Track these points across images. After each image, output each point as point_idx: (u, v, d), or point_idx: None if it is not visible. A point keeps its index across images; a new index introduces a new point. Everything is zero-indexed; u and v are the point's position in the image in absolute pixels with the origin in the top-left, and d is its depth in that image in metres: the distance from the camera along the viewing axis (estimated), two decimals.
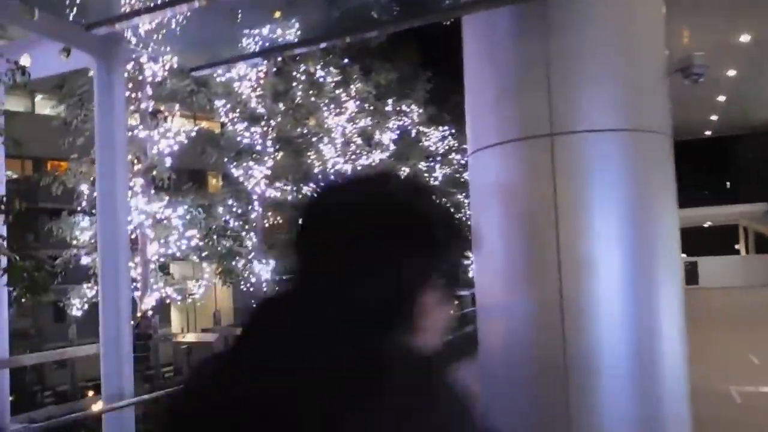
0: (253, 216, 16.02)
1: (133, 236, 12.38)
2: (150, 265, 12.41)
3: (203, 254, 13.55)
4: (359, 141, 21.25)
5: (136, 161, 12.06)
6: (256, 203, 16.00)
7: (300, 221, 0.96)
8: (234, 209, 15.23)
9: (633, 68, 3.45)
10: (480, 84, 3.77)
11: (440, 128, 29.99)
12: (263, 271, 15.84)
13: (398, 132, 23.95)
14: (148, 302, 12.14)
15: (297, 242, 0.95)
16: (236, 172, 15.79)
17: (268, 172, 15.90)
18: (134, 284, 12.36)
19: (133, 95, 12.38)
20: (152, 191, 12.45)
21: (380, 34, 9.89)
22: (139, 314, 12.03)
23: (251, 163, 15.29)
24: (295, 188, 16.98)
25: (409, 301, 0.90)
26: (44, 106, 28.58)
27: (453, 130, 31.25)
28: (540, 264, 3.34)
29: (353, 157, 20.65)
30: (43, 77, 9.52)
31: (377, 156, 21.81)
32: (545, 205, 3.28)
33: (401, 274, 0.90)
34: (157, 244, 12.44)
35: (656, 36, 3.67)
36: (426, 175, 28.54)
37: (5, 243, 9.32)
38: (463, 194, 34.24)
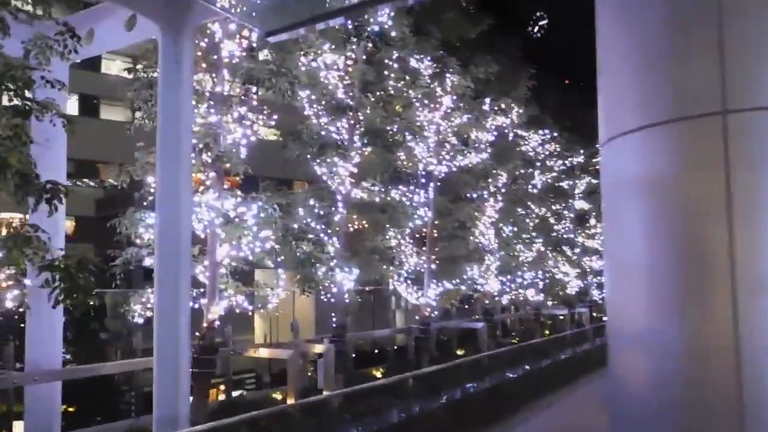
0: (336, 218, 14.41)
1: (202, 236, 11.01)
2: (220, 269, 10.98)
3: (278, 259, 11.98)
4: (454, 140, 19.30)
5: (206, 150, 10.68)
6: (340, 204, 14.38)
7: None
8: (316, 210, 13.65)
9: None
10: (618, 56, 3.21)
11: (540, 131, 27.61)
12: (345, 280, 14.17)
13: (495, 133, 21.77)
14: (216, 311, 10.70)
15: None
16: (319, 170, 14.24)
17: (354, 170, 14.25)
18: (201, 290, 10.97)
19: (207, 77, 11.05)
20: (224, 186, 11.03)
21: None
22: (205, 324, 10.61)
23: (336, 159, 13.68)
24: (383, 189, 15.23)
25: None
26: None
27: (554, 134, 28.78)
28: (704, 280, 2.75)
29: (447, 157, 18.73)
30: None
31: (474, 158, 19.76)
32: (713, 202, 2.72)
33: None
34: (228, 246, 11.00)
35: None
36: (522, 182, 26.13)
37: (49, 238, 8.11)
38: (563, 204, 31.59)
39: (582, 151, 32.91)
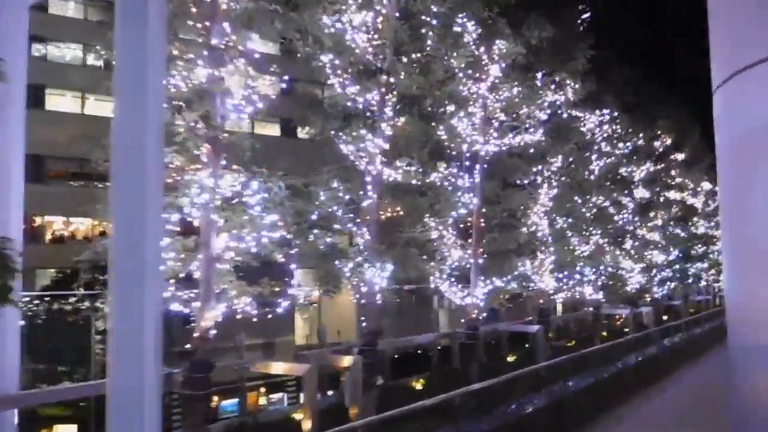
0: (365, 204, 12.13)
1: (195, 223, 8.89)
2: (216, 265, 8.83)
3: (291, 252, 9.77)
4: (502, 117, 16.79)
5: (200, 121, 8.55)
6: (369, 187, 12.09)
7: None
8: (341, 194, 11.41)
9: None
10: None
11: (597, 112, 24.72)
12: (377, 277, 11.90)
13: (549, 111, 19.06)
14: (211, 317, 8.56)
15: None
16: (345, 148, 11.98)
17: (386, 146, 11.93)
18: (194, 292, 8.83)
19: (200, 25, 8.89)
20: (222, 162, 8.86)
21: None
22: (196, 334, 8.48)
23: (363, 132, 11.38)
24: (421, 169, 12.86)
25: None
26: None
27: (615, 113, 25.85)
28: None
29: (495, 135, 16.23)
30: None
31: (526, 137, 17.19)
32: None
33: None
34: (227, 236, 8.84)
35: None
36: (579, 167, 23.26)
37: None
38: (625, 191, 28.59)
39: (642, 135, 29.81)
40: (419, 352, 19.72)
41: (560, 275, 21.01)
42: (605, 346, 20.59)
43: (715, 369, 24.68)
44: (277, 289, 9.11)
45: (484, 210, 16.40)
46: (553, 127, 19.68)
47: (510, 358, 19.56)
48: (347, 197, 11.54)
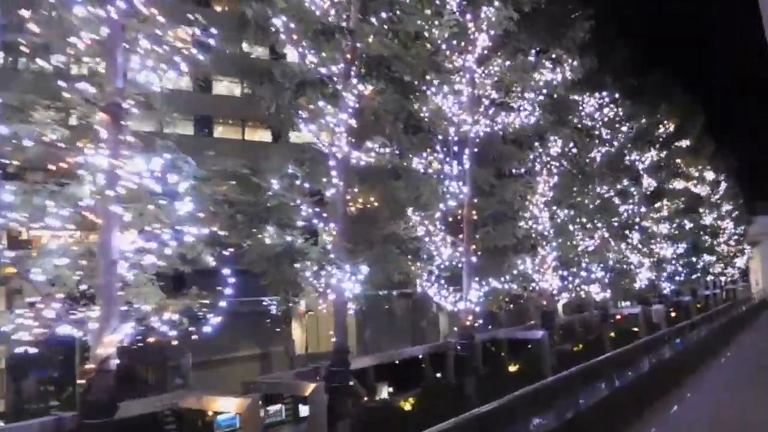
0: (330, 194, 10.03)
1: (91, 216, 6.77)
2: (120, 270, 6.68)
3: (228, 253, 7.64)
4: (494, 94, 14.72)
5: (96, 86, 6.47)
6: (334, 173, 9.99)
7: None
8: (298, 182, 9.33)
9: None
10: None
11: (597, 95, 22.67)
12: (347, 281, 9.78)
13: (545, 91, 16.93)
14: (111, 342, 6.42)
15: None
16: (304, 127, 9.88)
17: (353, 122, 9.85)
18: (86, 306, 6.67)
19: None
20: (122, 137, 6.72)
21: None
22: (92, 366, 6.34)
23: (322, 104, 9.29)
24: (398, 149, 10.75)
25: None
26: None
27: (615, 95, 23.80)
28: None
29: (488, 114, 14.17)
30: None
31: (521, 116, 15.11)
32: None
33: None
34: (136, 234, 6.74)
35: None
36: (580, 154, 21.11)
37: None
38: (630, 180, 26.49)
39: (644, 120, 27.78)
40: (409, 363, 17.54)
41: (564, 273, 18.93)
42: (622, 351, 18.47)
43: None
44: (206, 300, 6.96)
45: (476, 200, 14.30)
46: (550, 109, 17.64)
47: (512, 368, 17.46)
48: (306, 185, 9.42)
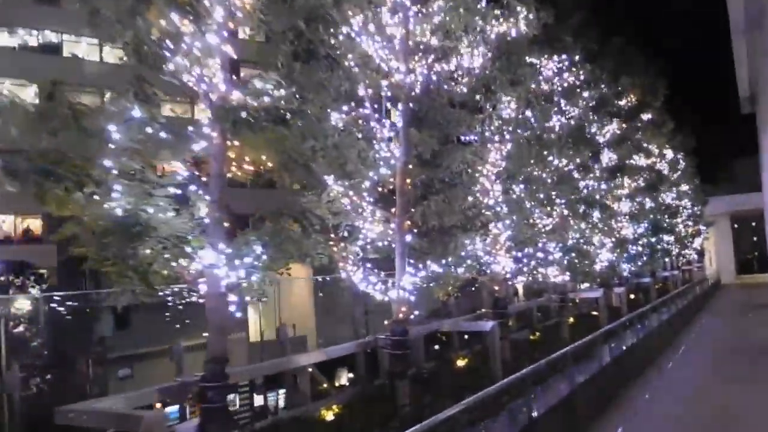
0: (199, 148, 7.39)
1: None
2: None
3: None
4: (434, 41, 12.24)
5: None
6: (207, 121, 7.38)
7: None
8: (149, 129, 6.71)
9: None
10: None
11: (555, 57, 20.45)
12: (223, 266, 7.22)
13: (497, 45, 14.53)
14: None
15: None
16: (170, 58, 7.21)
17: (229, 49, 7.20)
18: None
19: None
20: None
21: None
22: None
23: (175, 17, 6.62)
24: (299, 96, 8.12)
25: None
26: None
27: (575, 57, 21.63)
28: None
29: (425, 63, 11.68)
30: None
31: (466, 63, 12.66)
32: None
33: None
34: None
35: None
36: (531, 119, 18.67)
37: None
38: (590, 154, 24.45)
39: (604, 88, 25.67)
40: (337, 362, 15.06)
41: (519, 254, 16.72)
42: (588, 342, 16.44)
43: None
44: None
45: (411, 167, 11.84)
46: (501, 66, 15.32)
47: (461, 362, 15.21)
48: (162, 134, 6.78)
